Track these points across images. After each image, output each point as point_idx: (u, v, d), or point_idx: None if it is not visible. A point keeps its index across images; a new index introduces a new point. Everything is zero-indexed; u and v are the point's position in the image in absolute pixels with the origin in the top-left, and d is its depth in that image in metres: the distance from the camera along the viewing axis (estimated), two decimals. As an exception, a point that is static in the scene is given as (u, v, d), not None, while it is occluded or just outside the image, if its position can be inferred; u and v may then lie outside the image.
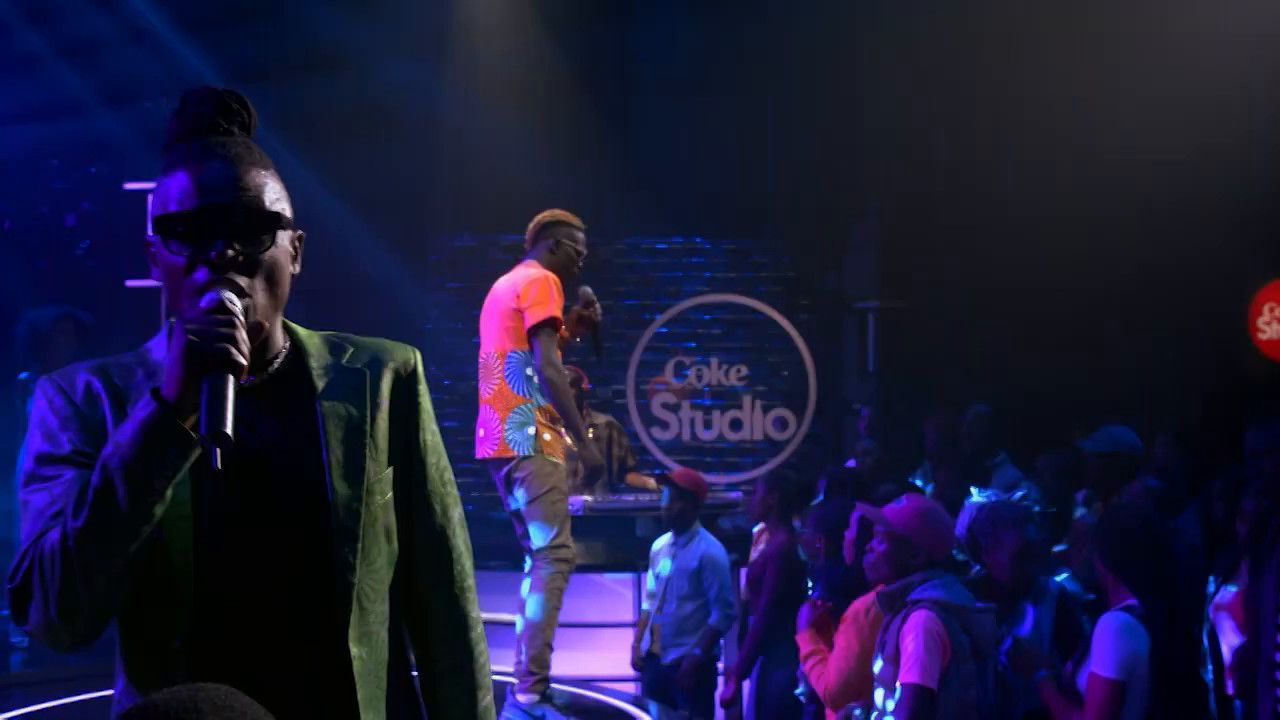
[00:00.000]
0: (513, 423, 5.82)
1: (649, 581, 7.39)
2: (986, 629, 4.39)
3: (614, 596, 7.75)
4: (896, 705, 4.27)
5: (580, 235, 6.20)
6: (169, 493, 1.95)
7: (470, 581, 2.33)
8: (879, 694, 4.40)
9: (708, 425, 10.98)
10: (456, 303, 11.33)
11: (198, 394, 1.88)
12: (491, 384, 5.89)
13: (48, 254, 11.44)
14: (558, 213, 6.23)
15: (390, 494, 2.20)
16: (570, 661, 7.52)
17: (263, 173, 2.09)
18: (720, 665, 7.40)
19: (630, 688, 7.43)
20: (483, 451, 5.90)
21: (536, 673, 5.88)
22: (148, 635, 2.07)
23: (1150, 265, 9.14)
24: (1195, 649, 4.38)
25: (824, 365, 11.12)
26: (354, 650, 2.12)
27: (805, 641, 5.15)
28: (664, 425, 11.00)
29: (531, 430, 5.79)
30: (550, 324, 5.74)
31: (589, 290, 6.16)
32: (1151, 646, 4.11)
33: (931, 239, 10.19)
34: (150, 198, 1.99)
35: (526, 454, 5.79)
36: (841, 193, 10.73)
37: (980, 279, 9.68)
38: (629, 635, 7.55)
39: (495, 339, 5.89)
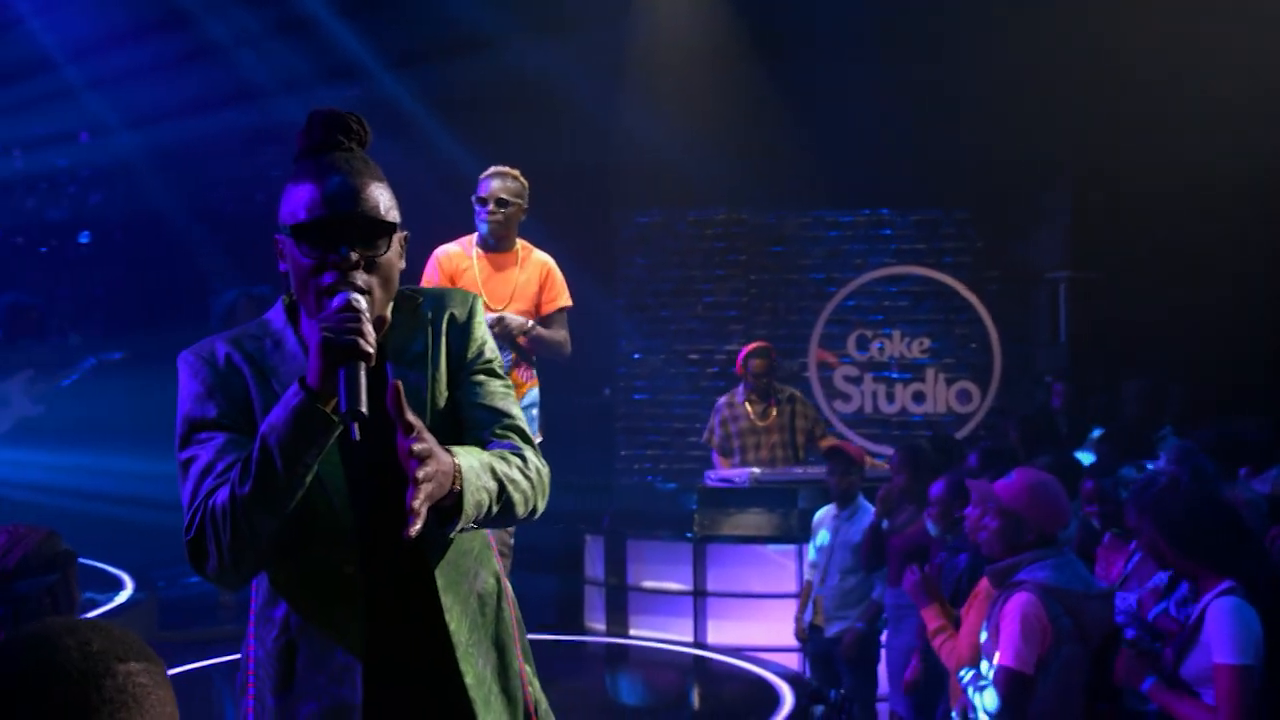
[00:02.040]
0: None
1: (809, 552, 7.41)
2: (1097, 614, 4.28)
3: (777, 568, 7.80)
4: (994, 685, 4.24)
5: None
6: (314, 463, 2.30)
7: (515, 468, 2.48)
8: (984, 664, 4.38)
9: (890, 398, 10.90)
10: (644, 278, 11.48)
11: (333, 383, 2.24)
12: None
13: (255, 234, 12.03)
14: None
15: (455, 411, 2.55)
16: (733, 631, 7.62)
17: (378, 185, 2.43)
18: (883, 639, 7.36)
19: (793, 659, 7.47)
20: None
21: None
22: (321, 567, 2.44)
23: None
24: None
25: (1012, 337, 10.92)
26: (474, 539, 2.57)
27: (932, 617, 5.11)
28: (846, 398, 10.96)
29: None
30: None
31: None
32: (1264, 625, 3.99)
33: (1123, 207, 9.92)
34: (281, 202, 2.29)
35: None
36: (1031, 162, 10.49)
37: (1174, 246, 9.39)
38: (792, 606, 7.59)
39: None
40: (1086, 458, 6.87)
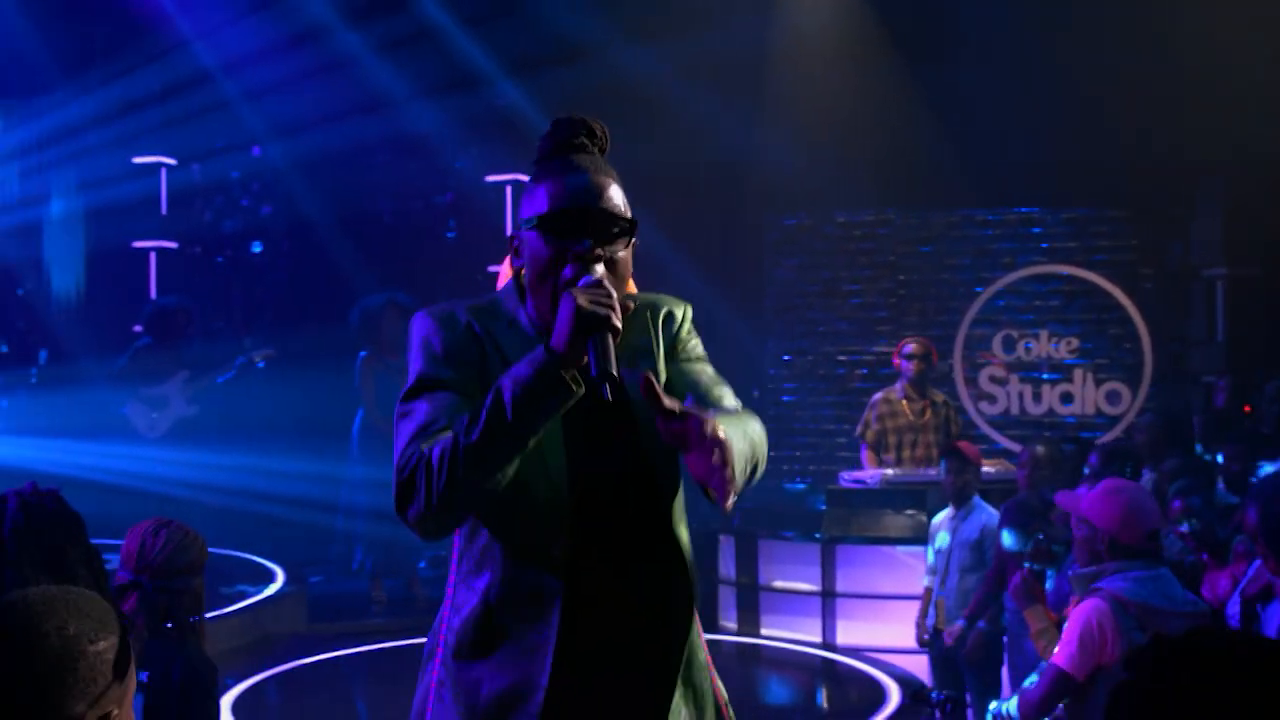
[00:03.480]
0: None
1: (928, 556, 7.38)
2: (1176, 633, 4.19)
3: (906, 569, 7.78)
4: (1038, 676, 4.21)
5: None
6: (543, 428, 2.37)
7: (755, 430, 2.54)
8: None
9: (1037, 399, 10.74)
10: (792, 280, 11.53)
11: (582, 350, 2.34)
12: None
13: (421, 241, 12.42)
14: None
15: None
16: (862, 632, 7.64)
17: (617, 186, 2.56)
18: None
19: (921, 661, 7.44)
20: None
21: None
22: (527, 541, 2.48)
23: None
24: None
25: (1166, 336, 10.66)
26: (680, 535, 2.59)
27: (1034, 619, 5.08)
28: (992, 399, 10.83)
29: None
30: None
31: None
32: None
33: (1281, 202, 9.64)
34: (523, 201, 2.47)
35: None
36: (1186, 158, 10.24)
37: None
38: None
39: None
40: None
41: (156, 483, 10.26)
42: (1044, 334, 10.75)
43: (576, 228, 2.48)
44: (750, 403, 9.06)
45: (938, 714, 5.74)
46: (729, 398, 2.66)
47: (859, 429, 8.81)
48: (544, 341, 2.41)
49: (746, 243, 11.49)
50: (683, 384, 2.63)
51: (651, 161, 10.46)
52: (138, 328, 11.86)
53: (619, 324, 2.37)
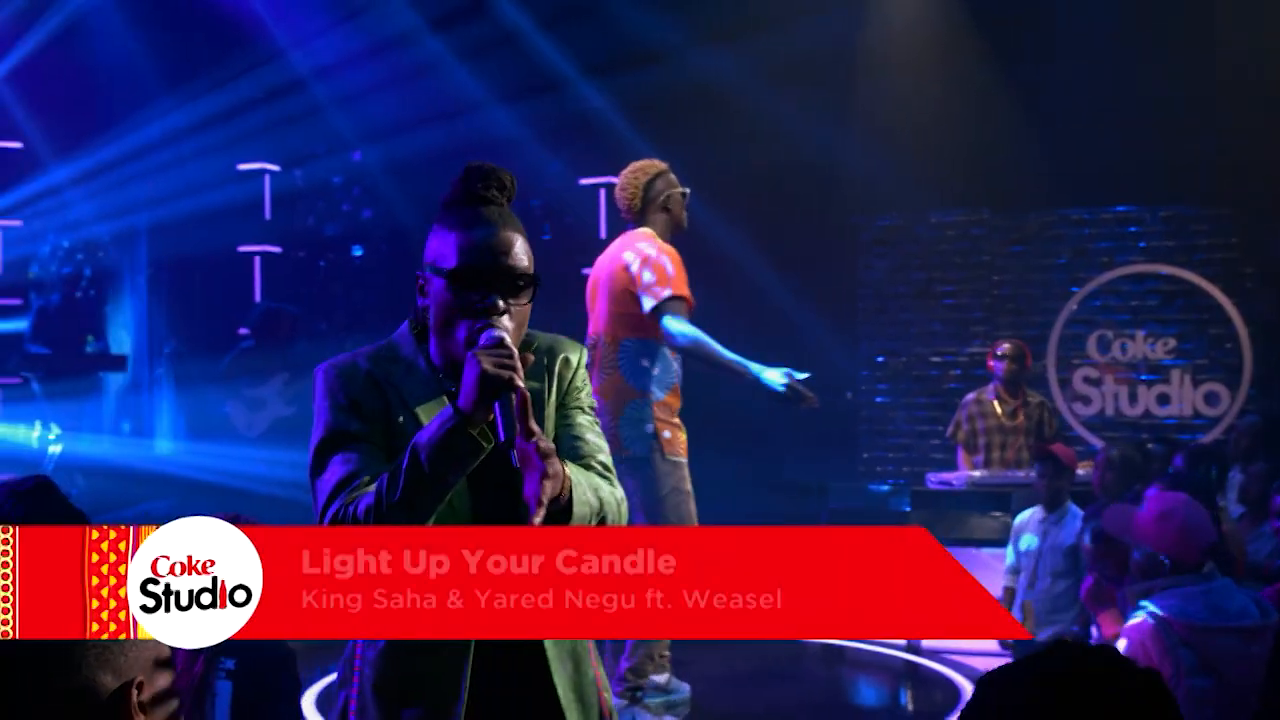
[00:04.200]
0: (628, 419, 5.54)
1: (1008, 556, 7.32)
2: (1232, 649, 4.11)
3: (991, 571, 7.72)
4: None
5: (676, 180, 5.75)
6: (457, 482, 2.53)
7: (607, 492, 2.70)
8: None
9: (1133, 400, 10.58)
10: (885, 281, 11.49)
11: (487, 411, 2.46)
12: (605, 373, 5.54)
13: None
14: (649, 164, 5.76)
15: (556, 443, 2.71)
16: (946, 633, 7.57)
17: (523, 241, 2.65)
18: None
19: (1003, 663, 7.38)
20: None
21: (631, 681, 5.57)
22: None
23: None
24: None
25: (1267, 337, 10.44)
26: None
27: (1107, 623, 5.05)
28: (1086, 401, 10.69)
29: (650, 428, 5.51)
30: (676, 301, 5.42)
31: None
32: None
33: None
34: (431, 243, 2.59)
35: (644, 454, 5.49)
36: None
37: None
38: (1003, 609, 7.51)
39: (606, 324, 5.57)
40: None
41: (252, 481, 10.52)
42: (1139, 334, 10.59)
43: (483, 282, 2.58)
44: (844, 405, 9.08)
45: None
46: (602, 454, 2.76)
47: (950, 430, 8.77)
48: (444, 381, 2.64)
49: (837, 244, 11.46)
50: (566, 431, 2.76)
51: (739, 164, 10.54)
52: (242, 330, 12.17)
53: (521, 384, 2.48)
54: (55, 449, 11.74)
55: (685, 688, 5.90)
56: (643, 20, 10.89)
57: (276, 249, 12.80)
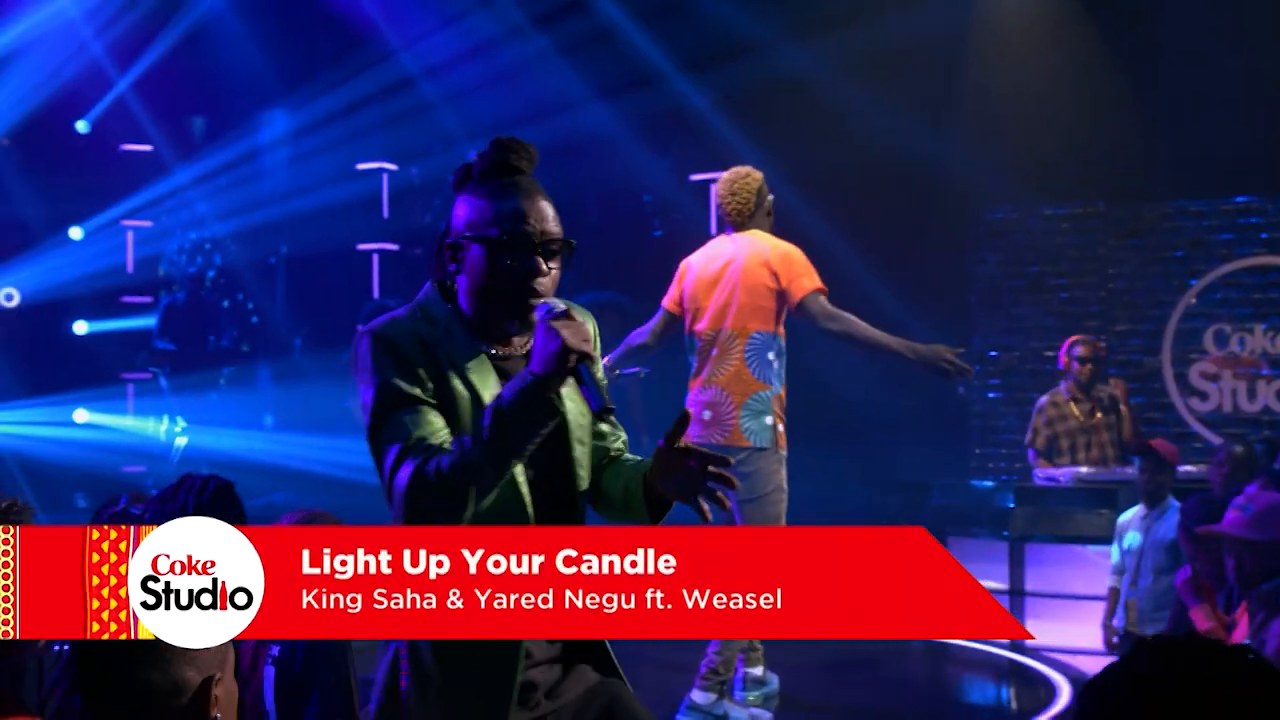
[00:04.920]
0: (750, 410, 5.64)
1: (1113, 554, 7.22)
2: None
3: (1096, 569, 7.62)
4: None
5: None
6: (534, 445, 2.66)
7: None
8: None
9: (1251, 395, 10.31)
10: (997, 275, 11.35)
11: (564, 377, 2.63)
12: (726, 365, 5.68)
13: (628, 239, 12.67)
14: (753, 172, 5.97)
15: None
16: (1052, 632, 7.54)
17: (553, 207, 2.79)
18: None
19: (1107, 663, 7.28)
20: (708, 437, 5.62)
21: (722, 673, 5.64)
22: None
23: None
24: None
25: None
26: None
27: (1201, 618, 4.98)
28: (1203, 396, 10.44)
29: (769, 420, 5.61)
30: (822, 292, 5.69)
31: None
32: None
33: None
34: (462, 211, 2.69)
35: (762, 446, 5.60)
36: None
37: None
38: (1107, 608, 7.41)
39: (735, 317, 5.71)
40: None
41: (372, 474, 10.73)
42: (1260, 328, 10.32)
43: (523, 248, 2.71)
44: (955, 400, 9.01)
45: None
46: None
47: (1028, 437, 8.61)
48: (477, 341, 2.76)
49: (946, 238, 11.34)
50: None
51: (843, 158, 10.50)
52: (360, 327, 12.44)
53: (594, 352, 2.69)
54: (181, 442, 12.13)
55: (775, 680, 5.95)
56: (740, 14, 10.90)
57: (394, 246, 13.05)
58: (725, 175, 6.04)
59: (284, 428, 12.53)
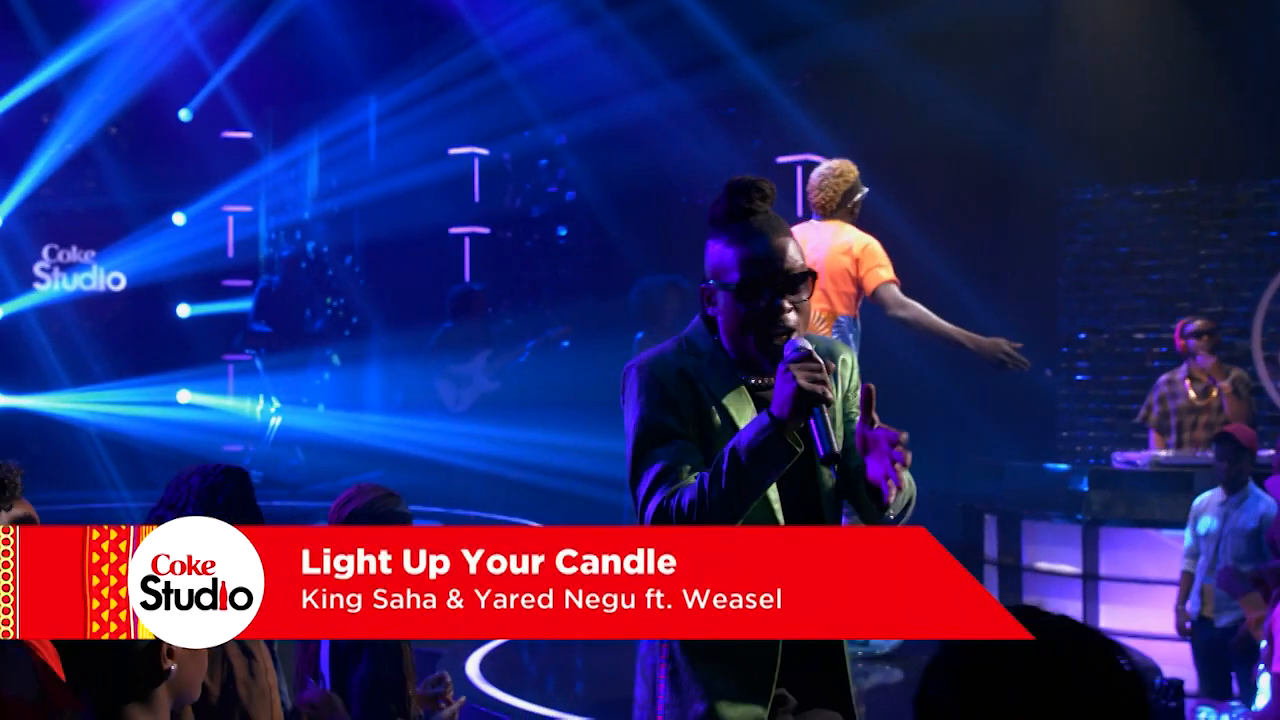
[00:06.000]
0: None
1: (1186, 539, 7.14)
2: None
3: (1169, 553, 7.55)
4: (1272, 693, 4.11)
5: (862, 185, 6.29)
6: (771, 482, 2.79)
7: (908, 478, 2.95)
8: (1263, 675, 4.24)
9: (1347, 382, 10.09)
10: (1087, 256, 11.22)
11: (801, 419, 2.70)
12: None
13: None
14: (848, 168, 6.28)
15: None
16: (1126, 616, 7.49)
17: (793, 241, 2.87)
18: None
19: (1181, 649, 7.22)
20: None
21: None
22: None
23: None
24: None
25: None
26: None
27: (1251, 606, 4.95)
28: (1297, 381, 10.25)
29: None
30: (895, 282, 6.02)
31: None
32: None
33: None
34: (712, 257, 2.86)
35: None
36: None
37: None
38: (1182, 594, 7.34)
39: (823, 301, 6.00)
40: None
41: (458, 455, 10.93)
42: (1352, 311, 10.09)
43: (766, 289, 2.81)
44: (1044, 382, 8.97)
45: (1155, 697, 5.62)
46: None
47: (1142, 413, 8.62)
48: (738, 372, 2.89)
49: (1035, 218, 11.22)
50: (850, 427, 2.91)
51: (928, 138, 10.43)
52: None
53: (833, 397, 2.77)
54: (275, 421, 12.41)
55: None
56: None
57: (485, 230, 13.22)
58: (820, 167, 6.36)
59: (375, 408, 12.76)
